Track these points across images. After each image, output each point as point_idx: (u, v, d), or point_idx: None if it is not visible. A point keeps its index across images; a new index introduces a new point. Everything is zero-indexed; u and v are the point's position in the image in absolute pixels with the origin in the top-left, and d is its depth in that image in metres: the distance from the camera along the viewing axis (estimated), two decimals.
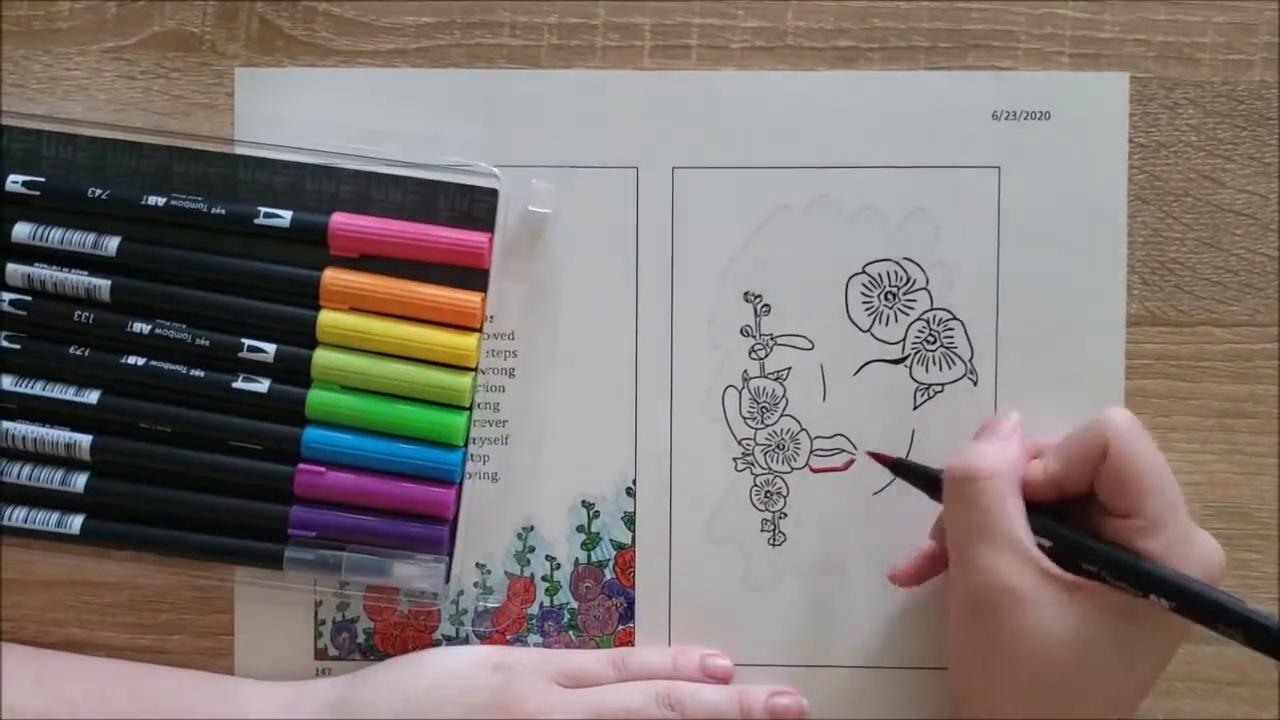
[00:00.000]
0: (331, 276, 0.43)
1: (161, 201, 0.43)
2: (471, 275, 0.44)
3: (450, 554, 0.45)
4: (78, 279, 0.43)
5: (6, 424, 0.44)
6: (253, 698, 0.44)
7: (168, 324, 0.44)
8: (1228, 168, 0.44)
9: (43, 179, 0.43)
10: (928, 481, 0.42)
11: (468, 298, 0.43)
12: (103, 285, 0.43)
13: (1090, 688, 0.37)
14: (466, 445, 0.44)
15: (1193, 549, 0.37)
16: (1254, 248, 0.44)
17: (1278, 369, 0.45)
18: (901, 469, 0.43)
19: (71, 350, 0.44)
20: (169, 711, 0.43)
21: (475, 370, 0.44)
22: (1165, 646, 0.38)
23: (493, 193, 0.44)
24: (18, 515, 0.44)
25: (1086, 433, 0.38)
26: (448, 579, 0.44)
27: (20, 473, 0.44)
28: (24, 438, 0.44)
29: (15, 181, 0.43)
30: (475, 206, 0.44)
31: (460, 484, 0.44)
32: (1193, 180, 0.44)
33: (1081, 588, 0.37)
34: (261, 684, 0.44)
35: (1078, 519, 0.39)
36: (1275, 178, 0.44)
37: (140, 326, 0.44)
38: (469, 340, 0.43)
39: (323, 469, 0.44)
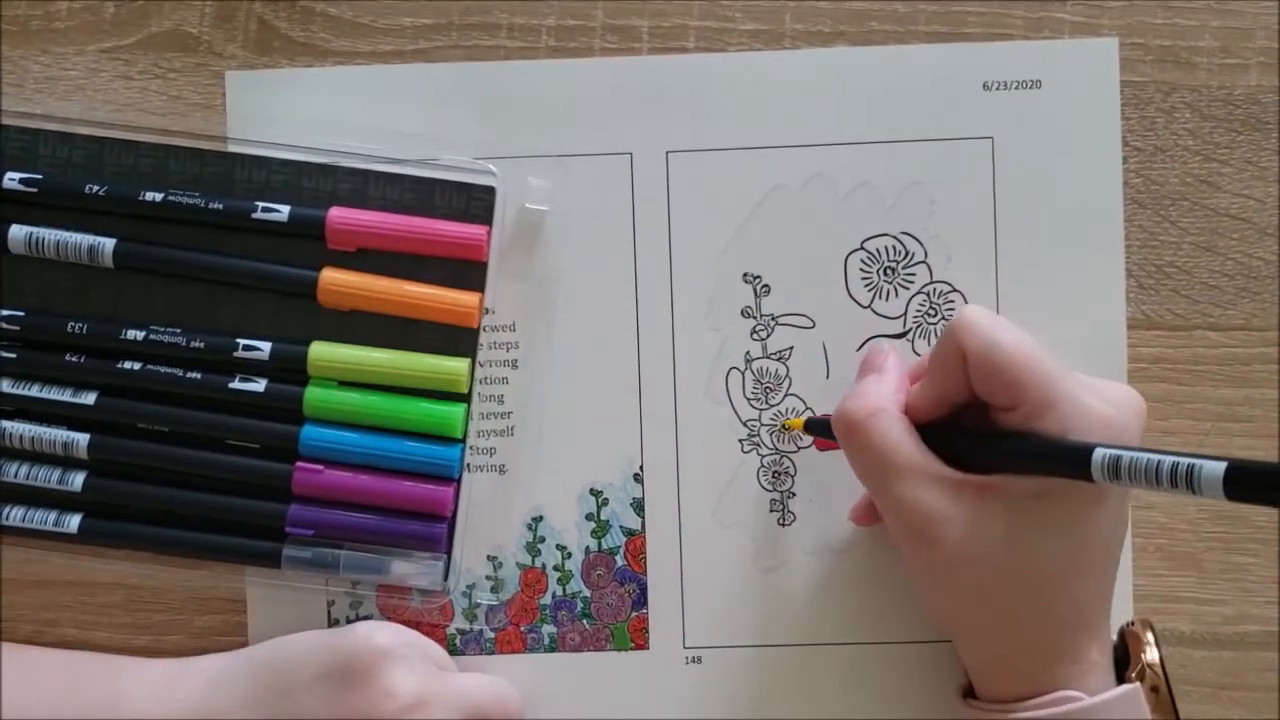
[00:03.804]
0: (329, 277, 0.43)
1: (159, 197, 0.43)
2: (469, 271, 0.44)
3: (449, 550, 0.44)
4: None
5: (4, 423, 0.43)
6: (137, 673, 0.43)
7: (161, 329, 0.43)
8: (1224, 172, 0.45)
9: (39, 176, 0.43)
10: (828, 430, 0.41)
11: (465, 297, 0.43)
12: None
13: (1036, 575, 0.37)
14: (465, 440, 0.44)
15: (1086, 414, 0.36)
16: (1250, 252, 0.45)
17: (1275, 373, 0.45)
18: (811, 427, 0.44)
19: (67, 358, 0.43)
20: (54, 688, 0.42)
21: (474, 359, 0.44)
22: (1099, 514, 0.37)
23: (490, 190, 0.44)
24: (15, 514, 0.44)
25: (943, 341, 0.38)
26: (446, 575, 0.44)
27: (18, 472, 0.44)
28: (21, 436, 0.43)
29: (12, 179, 0.43)
30: (473, 204, 0.44)
31: (459, 479, 0.44)
32: (1189, 184, 0.45)
33: (993, 485, 0.37)
34: (147, 660, 0.44)
35: (982, 424, 0.39)
36: (1272, 182, 0.45)
37: (134, 333, 0.43)
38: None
39: (321, 467, 0.43)
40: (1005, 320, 0.37)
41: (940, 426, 0.39)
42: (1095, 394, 0.37)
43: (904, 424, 0.38)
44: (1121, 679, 0.39)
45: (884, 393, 0.40)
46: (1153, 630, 0.40)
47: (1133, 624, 0.41)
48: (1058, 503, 0.37)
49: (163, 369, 0.43)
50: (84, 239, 0.43)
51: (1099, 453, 0.34)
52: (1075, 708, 0.37)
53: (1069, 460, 0.35)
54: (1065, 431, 0.36)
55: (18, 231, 0.43)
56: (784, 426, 0.44)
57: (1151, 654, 0.39)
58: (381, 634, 0.42)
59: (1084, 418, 0.36)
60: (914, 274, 0.45)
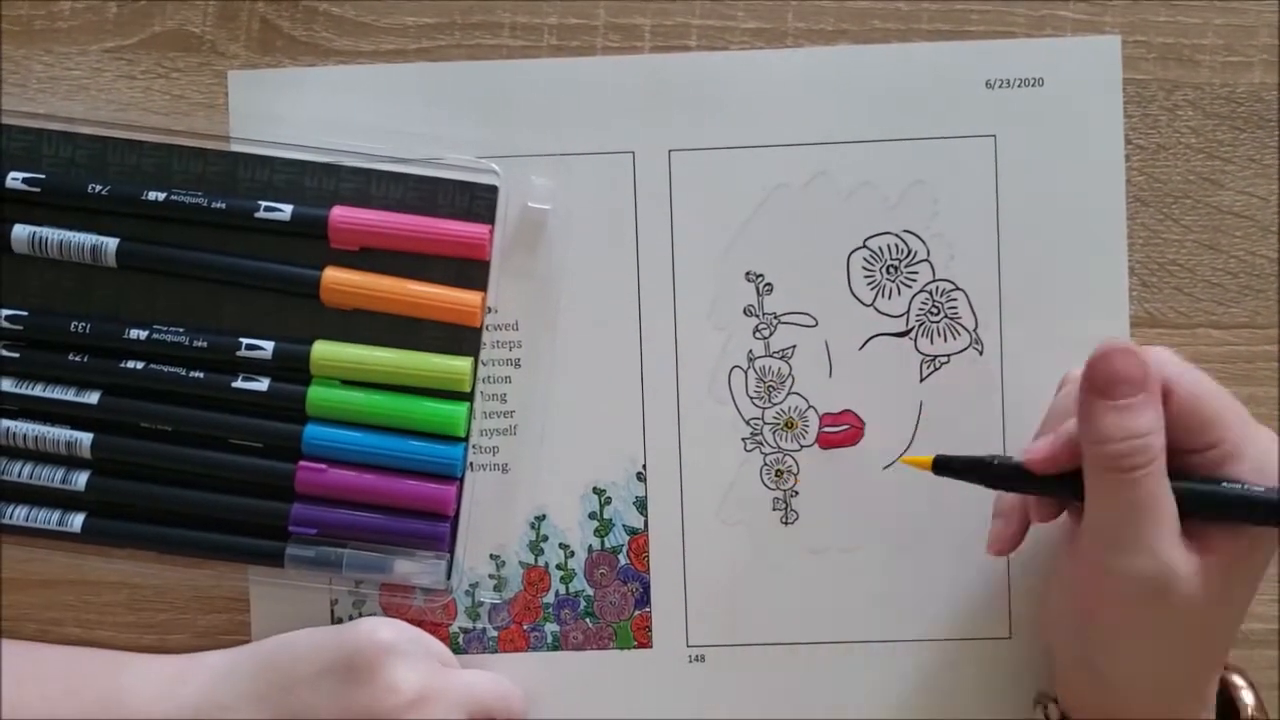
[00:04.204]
0: (332, 276, 0.43)
1: (162, 196, 0.43)
2: (472, 270, 0.44)
3: (452, 549, 0.44)
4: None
5: (7, 423, 0.43)
6: (141, 669, 0.43)
7: (164, 328, 0.43)
8: (1227, 170, 0.45)
9: (42, 176, 0.43)
10: (975, 471, 0.39)
11: (468, 296, 0.43)
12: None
13: (1228, 625, 0.38)
14: (468, 439, 0.44)
15: (1264, 453, 0.36)
16: (1253, 250, 0.45)
17: (1278, 371, 0.45)
18: (943, 467, 0.40)
19: (70, 357, 0.44)
20: (55, 685, 0.42)
21: (477, 358, 0.44)
22: (1266, 564, 0.37)
23: (492, 189, 0.44)
24: (19, 514, 0.44)
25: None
26: (449, 574, 0.44)
27: (21, 471, 0.44)
28: (25, 436, 0.43)
29: (15, 178, 0.43)
30: (475, 203, 0.44)
31: (462, 478, 0.44)
32: (1192, 182, 0.45)
33: (1209, 548, 0.36)
34: (151, 656, 0.44)
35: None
36: (1275, 179, 0.45)
37: (137, 333, 0.43)
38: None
39: (324, 466, 0.43)
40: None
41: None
42: (1264, 434, 0.37)
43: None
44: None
45: (1161, 430, 0.36)
46: (1243, 675, 0.41)
47: (1225, 671, 0.41)
48: (1256, 552, 0.37)
49: (166, 368, 0.43)
50: (87, 238, 0.43)
51: None
52: None
53: None
54: (1263, 474, 0.36)
55: (21, 231, 0.43)
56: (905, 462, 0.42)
57: (1248, 697, 0.40)
58: (385, 630, 0.42)
59: (1270, 466, 0.36)
60: (916, 272, 0.44)
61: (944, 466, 0.40)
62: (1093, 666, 0.39)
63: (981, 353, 0.44)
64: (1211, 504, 0.36)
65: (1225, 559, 0.36)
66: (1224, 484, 0.36)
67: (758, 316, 0.45)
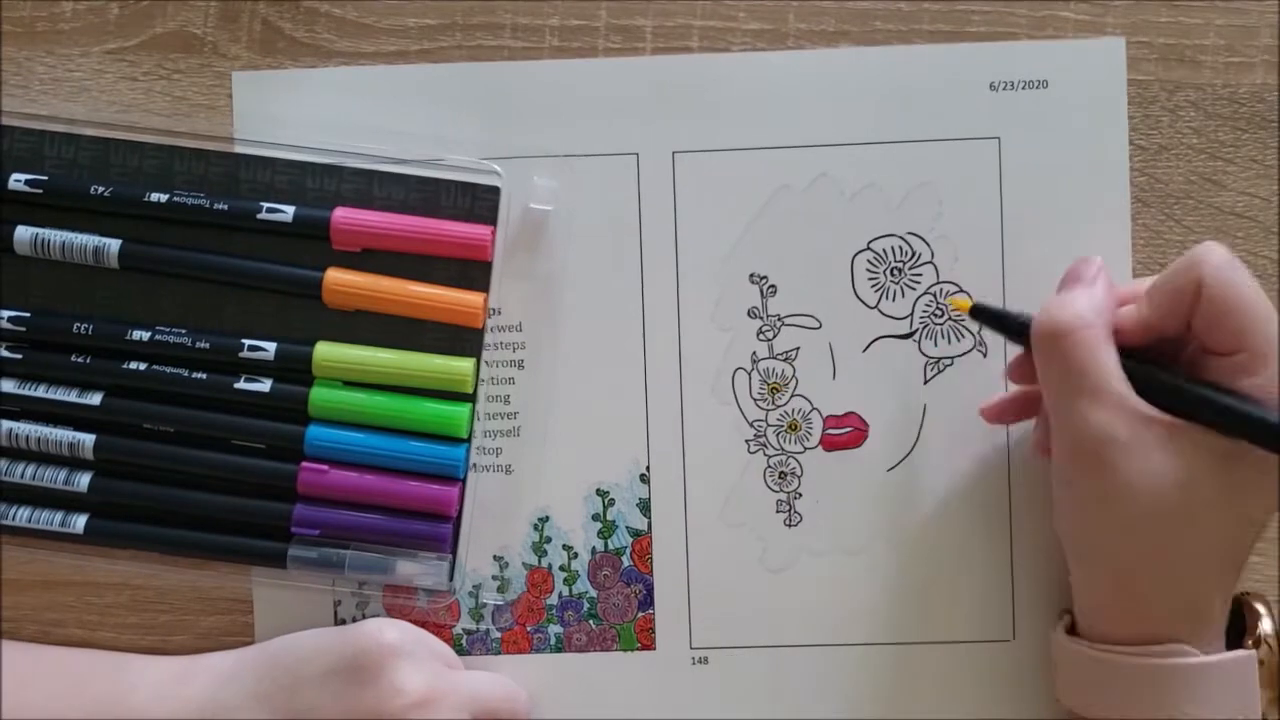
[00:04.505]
0: (334, 277, 0.43)
1: (164, 198, 0.43)
2: (474, 271, 0.44)
3: (455, 550, 0.44)
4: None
5: (10, 424, 0.43)
6: (144, 669, 0.43)
7: (167, 329, 0.43)
8: (1229, 170, 0.45)
9: (45, 177, 0.43)
10: (1010, 327, 0.41)
11: (470, 297, 0.43)
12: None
13: (1199, 526, 0.37)
14: (470, 440, 0.44)
15: None
16: (1255, 250, 0.45)
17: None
18: (980, 313, 0.42)
19: (73, 359, 0.43)
20: (58, 685, 0.42)
21: (479, 359, 0.44)
22: (1270, 488, 0.37)
23: (495, 190, 0.44)
24: (21, 515, 0.44)
25: (1179, 270, 0.37)
26: (452, 575, 0.44)
27: (24, 472, 0.44)
28: (27, 437, 0.43)
29: (18, 180, 0.43)
30: (477, 204, 0.44)
31: (464, 479, 0.44)
32: (1194, 183, 0.45)
33: (1182, 429, 0.36)
34: (153, 658, 0.44)
35: (1175, 359, 0.38)
36: (1276, 180, 0.45)
37: (140, 334, 0.43)
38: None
39: (326, 467, 0.43)
40: (1241, 264, 0.37)
41: (1145, 357, 0.38)
42: None
43: (1112, 346, 0.37)
44: (1232, 647, 0.39)
45: (1097, 306, 0.38)
46: (1266, 604, 0.40)
47: (1248, 595, 0.40)
48: (1241, 467, 0.37)
49: (168, 369, 0.43)
50: (89, 240, 0.43)
51: None
52: (1187, 662, 0.37)
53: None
54: (1258, 392, 0.36)
55: (23, 232, 0.43)
56: (949, 303, 0.44)
57: (1266, 625, 0.39)
58: (390, 631, 0.42)
59: None
60: (920, 274, 0.44)
61: (979, 311, 0.42)
62: (1069, 554, 0.40)
63: (985, 355, 0.44)
64: (1173, 396, 0.37)
65: (1198, 454, 0.36)
66: (1187, 380, 0.37)
67: (761, 318, 0.45)
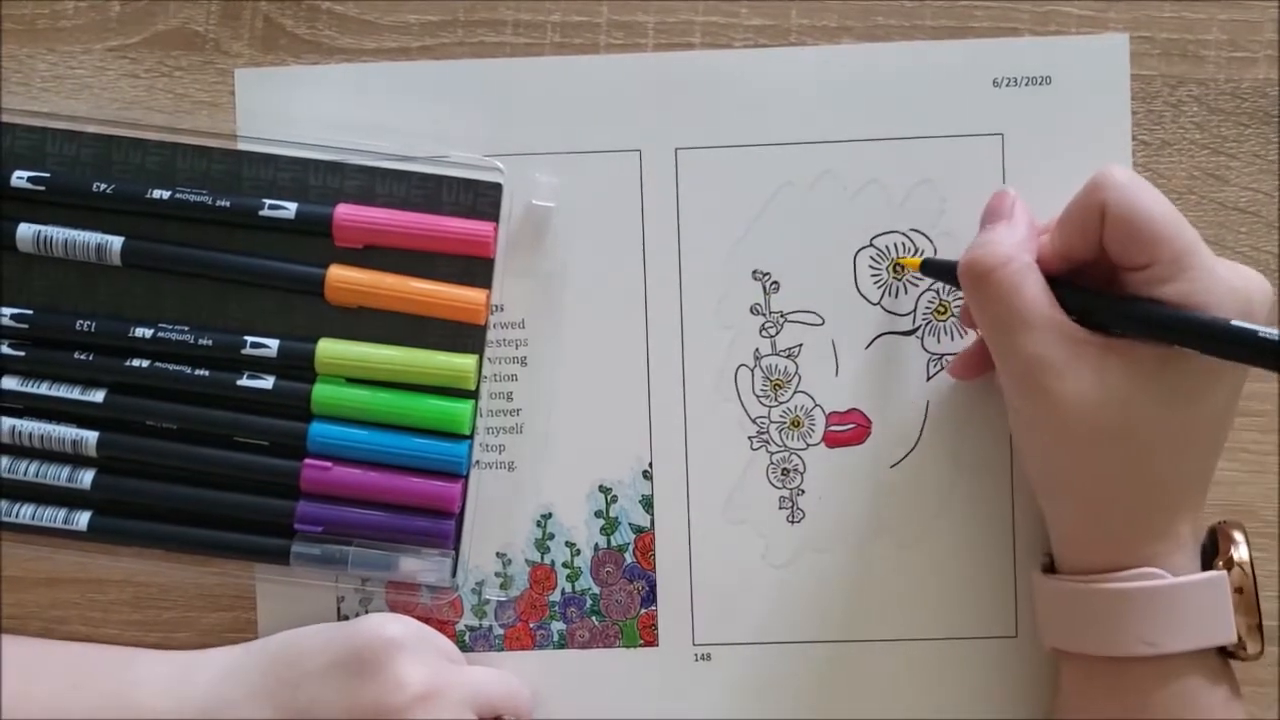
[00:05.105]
0: (337, 274, 0.43)
1: (166, 195, 0.43)
2: (477, 268, 0.44)
3: (458, 546, 0.44)
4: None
5: (13, 421, 0.43)
6: (148, 665, 0.43)
7: (170, 326, 0.43)
8: (1232, 165, 0.45)
9: (47, 175, 0.43)
10: (950, 275, 0.41)
11: (473, 294, 0.43)
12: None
13: (1146, 441, 0.37)
14: (473, 436, 0.44)
15: (1216, 283, 0.36)
16: (1258, 245, 0.45)
17: None
18: (930, 267, 0.43)
19: (76, 356, 0.44)
20: (62, 681, 0.42)
21: (481, 355, 0.44)
22: (1215, 389, 0.38)
23: (497, 186, 0.44)
24: (25, 512, 0.44)
25: (1083, 195, 0.38)
26: (455, 572, 0.44)
27: (27, 469, 0.44)
28: (30, 434, 0.43)
29: (20, 177, 0.43)
30: (480, 200, 0.44)
31: (467, 476, 0.44)
32: (1197, 178, 0.45)
33: (1115, 346, 0.37)
34: (157, 653, 0.44)
35: (1101, 284, 0.39)
36: (1279, 175, 0.45)
37: (142, 331, 0.43)
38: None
39: (329, 464, 0.43)
40: (1145, 181, 0.37)
41: (1066, 282, 0.38)
42: (1226, 267, 0.37)
43: (1037, 275, 0.38)
44: (1208, 569, 0.39)
45: (1016, 240, 0.39)
46: (1244, 531, 0.40)
47: (1224, 523, 0.40)
48: (1178, 372, 0.37)
49: (171, 366, 0.43)
50: (92, 237, 0.43)
51: (1233, 327, 0.34)
52: (1159, 584, 0.38)
53: (1201, 333, 0.35)
54: (1191, 298, 0.36)
55: (26, 230, 0.43)
56: (896, 263, 0.44)
57: (1241, 552, 0.39)
58: (393, 625, 0.42)
59: (1213, 288, 0.36)
60: None
61: (929, 265, 0.43)
62: (1036, 492, 0.41)
63: None
64: (1105, 314, 0.37)
65: (1133, 367, 0.37)
66: (1116, 298, 0.38)
67: (764, 315, 0.45)
